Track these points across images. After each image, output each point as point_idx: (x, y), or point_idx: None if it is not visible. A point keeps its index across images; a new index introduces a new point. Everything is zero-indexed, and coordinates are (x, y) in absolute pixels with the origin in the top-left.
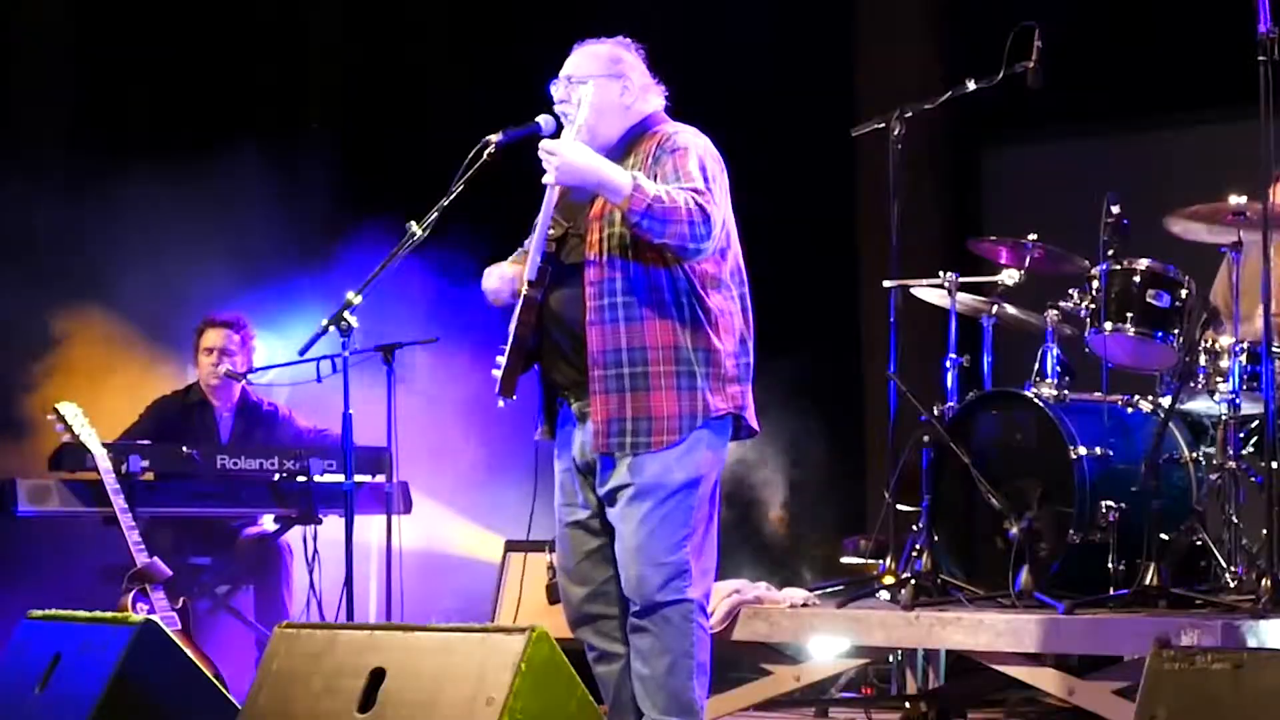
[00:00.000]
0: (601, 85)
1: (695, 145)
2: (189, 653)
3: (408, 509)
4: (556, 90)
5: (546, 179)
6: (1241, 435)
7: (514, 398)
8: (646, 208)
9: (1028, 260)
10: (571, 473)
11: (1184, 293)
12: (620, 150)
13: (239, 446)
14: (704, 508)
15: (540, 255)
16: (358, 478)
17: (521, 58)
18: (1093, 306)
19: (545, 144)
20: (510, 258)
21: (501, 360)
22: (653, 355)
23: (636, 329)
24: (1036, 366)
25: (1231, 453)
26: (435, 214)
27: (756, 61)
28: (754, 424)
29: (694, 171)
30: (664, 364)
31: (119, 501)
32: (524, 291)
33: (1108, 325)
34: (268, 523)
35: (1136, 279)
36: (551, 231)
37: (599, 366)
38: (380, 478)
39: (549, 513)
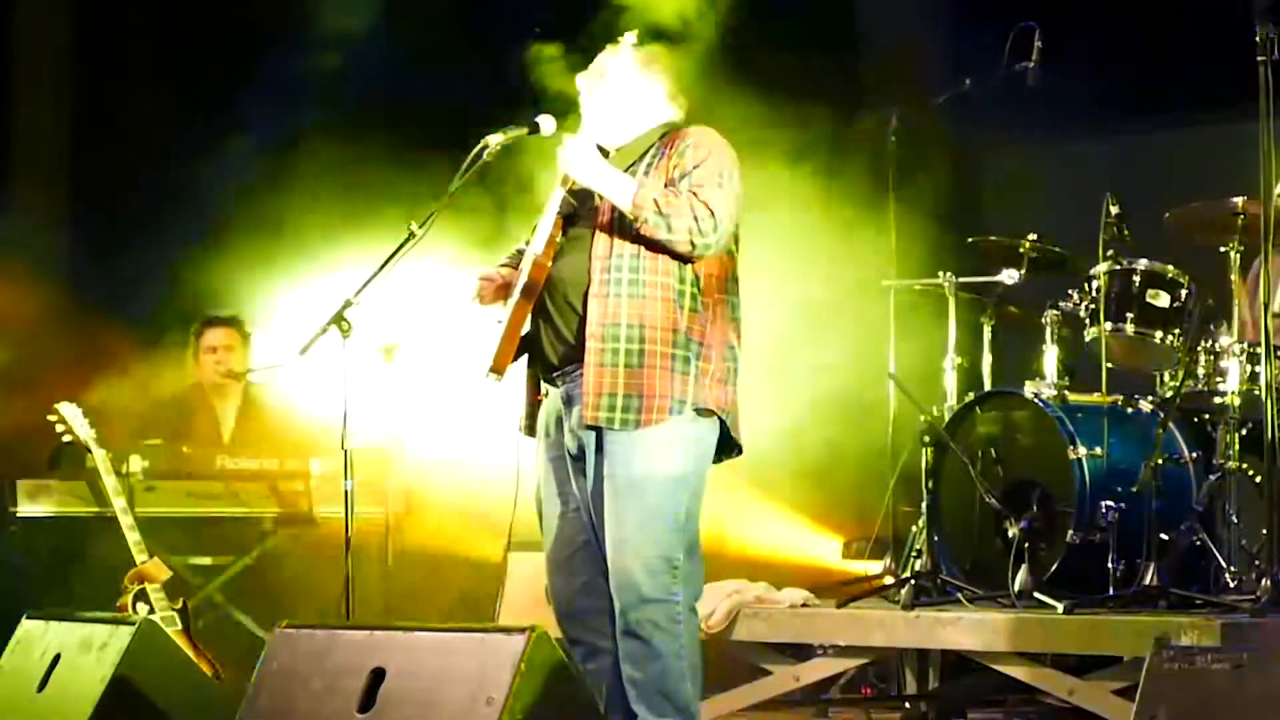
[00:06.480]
0: (629, 81)
1: (713, 145)
2: (189, 653)
3: (408, 509)
4: (583, 84)
5: (561, 169)
6: (1241, 435)
7: (502, 379)
8: (653, 203)
9: (1027, 260)
10: (563, 460)
11: (1184, 293)
12: (639, 148)
13: (239, 446)
14: (693, 506)
15: (548, 232)
16: (358, 477)
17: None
18: (1093, 306)
19: (567, 139)
20: (503, 262)
21: (501, 323)
22: (650, 334)
23: (637, 306)
24: (1036, 366)
25: (1231, 453)
26: (435, 213)
27: (756, 60)
28: (739, 438)
29: (709, 169)
30: (662, 345)
31: (119, 502)
32: (535, 260)
33: (1108, 325)
34: (268, 523)
35: (1136, 279)
36: (559, 210)
37: (596, 339)
38: (380, 477)
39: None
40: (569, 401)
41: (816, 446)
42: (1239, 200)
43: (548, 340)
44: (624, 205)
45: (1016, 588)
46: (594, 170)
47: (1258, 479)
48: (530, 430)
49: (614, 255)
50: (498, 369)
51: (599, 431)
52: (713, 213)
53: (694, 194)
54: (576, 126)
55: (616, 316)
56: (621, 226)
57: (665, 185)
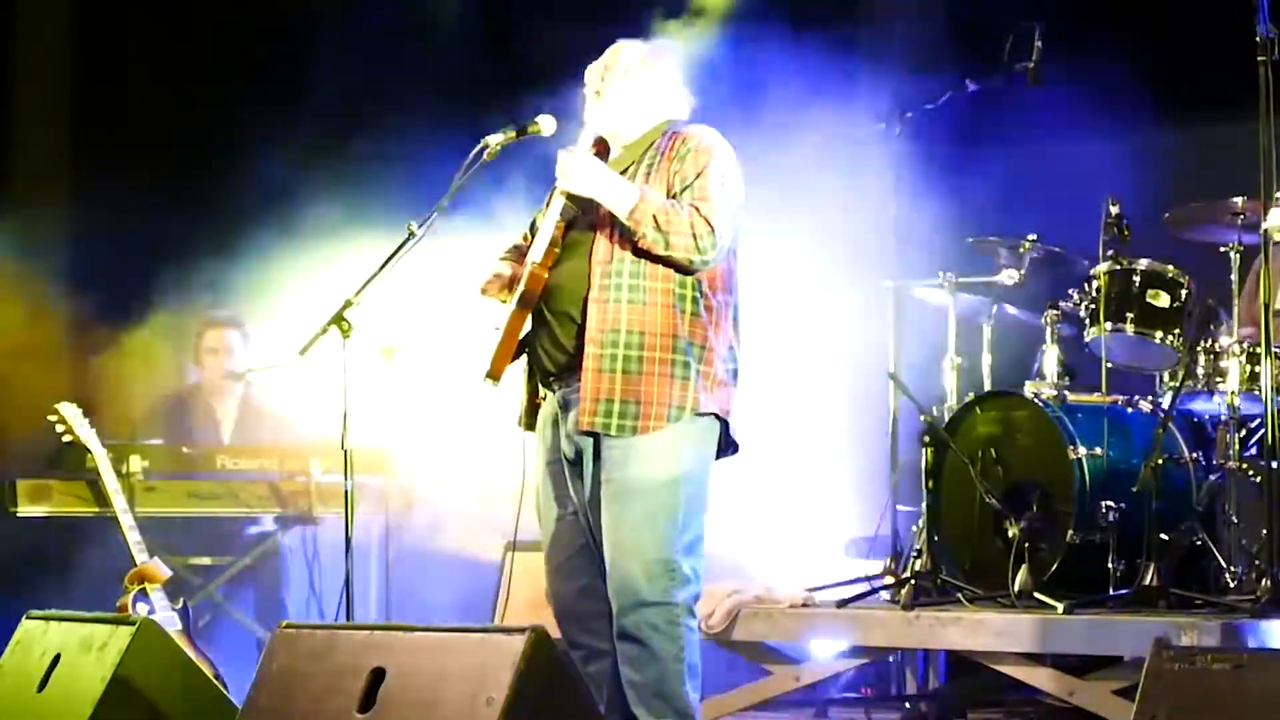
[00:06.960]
0: (636, 76)
1: (715, 148)
2: (189, 653)
3: (408, 509)
4: (591, 77)
5: (559, 185)
6: (1241, 435)
7: (498, 384)
8: (652, 219)
9: (1027, 260)
10: (560, 464)
11: (1184, 293)
12: (642, 144)
13: (239, 446)
14: (692, 508)
15: (548, 240)
16: (357, 477)
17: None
18: (1092, 306)
19: (563, 154)
20: (502, 256)
21: (498, 330)
22: (649, 341)
23: (638, 312)
24: (1036, 366)
25: (1231, 453)
26: (434, 214)
27: (757, 60)
28: (736, 438)
29: (711, 178)
30: (660, 351)
31: (119, 501)
32: (533, 270)
33: (1107, 325)
34: (268, 523)
35: (1136, 279)
36: (561, 216)
37: (595, 345)
38: (380, 477)
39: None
40: (566, 406)
41: (816, 446)
42: (1239, 200)
43: (545, 345)
44: (623, 217)
45: (1016, 588)
46: (594, 182)
47: (1258, 479)
48: (529, 425)
49: (614, 260)
50: (494, 375)
51: (596, 437)
52: (713, 229)
53: (695, 208)
54: (575, 127)
55: (616, 323)
56: (622, 231)
57: (667, 194)
